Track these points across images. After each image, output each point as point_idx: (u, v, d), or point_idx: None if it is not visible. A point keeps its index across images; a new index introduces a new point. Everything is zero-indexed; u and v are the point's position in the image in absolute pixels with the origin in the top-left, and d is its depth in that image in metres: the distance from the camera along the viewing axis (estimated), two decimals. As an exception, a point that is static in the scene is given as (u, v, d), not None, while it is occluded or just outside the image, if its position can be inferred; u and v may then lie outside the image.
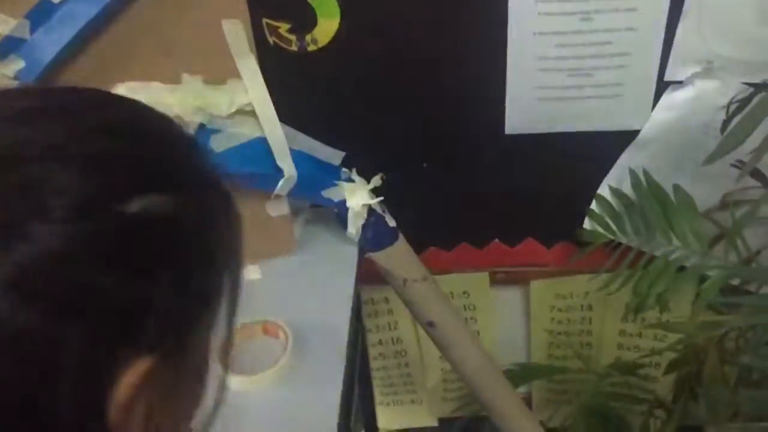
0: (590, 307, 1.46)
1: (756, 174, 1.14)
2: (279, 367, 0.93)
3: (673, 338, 1.31)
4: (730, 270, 1.05)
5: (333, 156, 1.18)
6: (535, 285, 1.42)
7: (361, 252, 1.12)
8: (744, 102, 0.99)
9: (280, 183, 1.00)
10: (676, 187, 1.18)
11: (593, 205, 1.27)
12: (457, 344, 1.17)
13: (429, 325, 1.15)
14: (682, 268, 1.15)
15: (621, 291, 1.19)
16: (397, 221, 1.15)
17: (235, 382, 0.92)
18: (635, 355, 1.47)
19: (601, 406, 1.42)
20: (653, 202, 1.18)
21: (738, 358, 1.03)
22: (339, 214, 1.08)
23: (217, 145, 0.99)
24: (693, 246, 1.15)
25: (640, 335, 1.48)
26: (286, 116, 1.06)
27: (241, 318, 0.99)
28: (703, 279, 1.14)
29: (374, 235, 1.09)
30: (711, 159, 0.91)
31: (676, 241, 1.17)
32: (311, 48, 1.11)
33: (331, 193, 1.05)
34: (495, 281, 1.43)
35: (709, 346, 1.12)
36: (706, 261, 1.12)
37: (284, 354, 0.94)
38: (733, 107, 1.01)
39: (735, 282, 1.14)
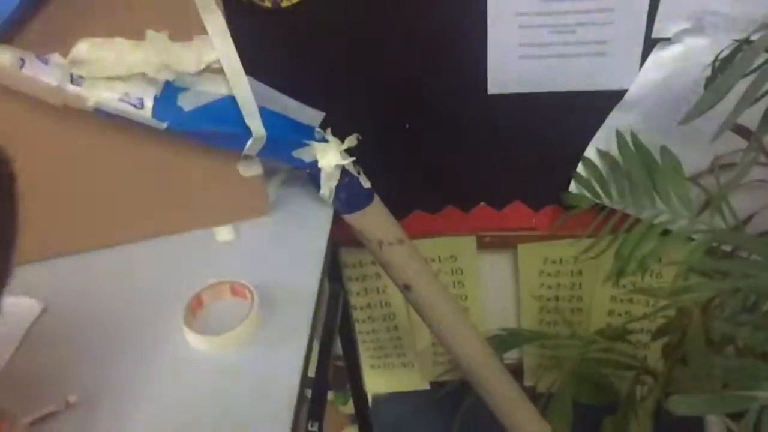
0: (580, 273, 1.43)
1: (747, 137, 1.10)
2: (243, 327, 0.92)
3: (664, 305, 1.29)
4: (713, 234, 1.02)
5: (313, 117, 1.16)
6: (523, 249, 1.40)
7: (336, 214, 1.11)
8: (728, 58, 0.95)
9: (249, 142, 0.98)
10: (664, 150, 1.15)
11: (579, 168, 1.23)
12: (435, 307, 1.16)
13: (406, 288, 1.14)
14: (666, 233, 1.12)
15: (612, 256, 1.17)
16: (380, 184, 1.13)
17: (200, 341, 0.92)
18: (625, 321, 1.45)
19: (588, 371, 1.40)
20: (639, 164, 1.15)
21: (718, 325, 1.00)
22: (311, 175, 1.07)
23: (186, 103, 0.97)
24: (679, 210, 1.12)
25: (631, 301, 1.45)
26: (262, 75, 1.05)
27: (211, 278, 0.99)
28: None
29: (348, 197, 1.07)
30: (688, 118, 0.87)
31: (661, 205, 1.13)
32: (285, 4, 1.09)
33: (303, 154, 1.03)
34: (482, 245, 1.41)
35: (693, 313, 1.09)
36: (691, 225, 1.09)
37: (249, 314, 0.93)
38: (717, 64, 0.97)
39: (722, 247, 1.10)
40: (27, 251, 1.06)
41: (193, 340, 0.92)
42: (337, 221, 1.12)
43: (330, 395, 1.75)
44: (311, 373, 1.17)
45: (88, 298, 1.01)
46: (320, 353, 1.19)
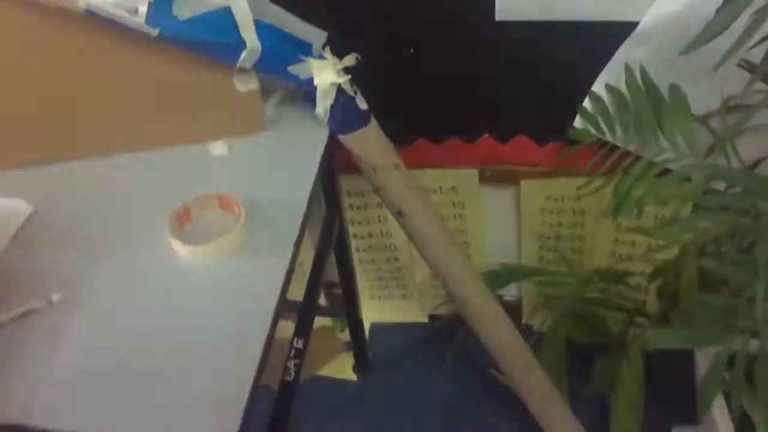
0: (582, 212, 1.42)
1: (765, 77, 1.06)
2: (229, 238, 0.93)
3: (661, 245, 1.27)
4: (712, 170, 0.99)
5: (315, 36, 1.14)
6: (526, 185, 1.38)
7: (331, 134, 1.10)
8: (741, -10, 0.90)
9: (243, 54, 0.97)
10: (673, 87, 1.11)
11: (586, 103, 1.20)
12: (428, 236, 1.15)
13: (399, 215, 1.13)
14: (667, 173, 1.09)
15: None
16: (382, 110, 1.11)
17: (185, 250, 0.92)
18: (627, 263, 1.44)
19: (584, 311, 1.39)
20: (646, 101, 1.12)
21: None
22: (307, 93, 1.05)
23: (181, 12, 0.95)
24: (682, 150, 1.09)
25: (633, 244, 1.44)
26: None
27: (202, 191, 1.00)
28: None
29: (343, 117, 1.06)
30: (691, 47, 0.84)
31: (665, 143, 1.10)
32: None
33: (298, 70, 1.02)
34: (485, 179, 1.39)
35: (689, 254, 1.08)
36: (693, 166, 1.06)
37: (236, 226, 0.94)
38: (730, -4, 0.92)
39: (718, 185, 1.08)
40: (20, 155, 1.08)
41: (179, 248, 0.93)
42: (341, 148, 1.11)
43: (328, 321, 1.77)
44: (301, 295, 1.19)
45: (78, 203, 1.02)
46: (311, 274, 1.20)
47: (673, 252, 1.19)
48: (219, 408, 0.78)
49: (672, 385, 1.39)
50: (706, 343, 0.77)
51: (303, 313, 1.15)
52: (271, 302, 0.87)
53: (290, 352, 1.08)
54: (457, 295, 1.22)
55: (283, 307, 0.89)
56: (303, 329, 1.12)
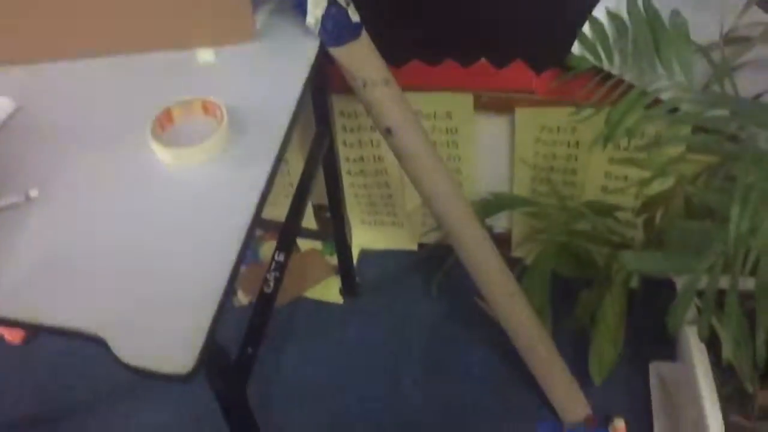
0: (576, 144, 1.40)
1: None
2: (210, 142, 0.92)
3: (658, 183, 1.25)
4: (701, 97, 0.97)
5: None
6: (521, 113, 1.36)
7: (322, 47, 1.07)
8: None
9: (232, -43, 0.94)
10: (674, 13, 1.08)
11: (585, 28, 1.17)
12: (415, 156, 1.14)
13: (387, 132, 1.12)
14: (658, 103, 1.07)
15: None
16: (378, 28, 1.08)
17: (165, 153, 0.92)
18: (618, 196, 1.43)
19: (571, 244, 1.39)
20: (646, 27, 1.09)
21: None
22: (299, 3, 1.03)
23: None
24: (679, 79, 1.07)
25: (625, 179, 1.42)
26: None
27: (184, 95, 0.98)
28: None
29: (334, 28, 1.04)
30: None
31: (661, 71, 1.08)
32: None
33: (289, -24, 0.99)
34: (479, 105, 1.37)
35: (677, 186, 1.06)
36: (688, 96, 1.04)
37: (217, 131, 0.93)
38: None
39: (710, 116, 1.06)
40: (3, 53, 1.06)
41: (159, 151, 0.92)
42: (334, 66, 1.09)
43: (318, 245, 1.78)
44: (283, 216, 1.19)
45: (63, 103, 1.02)
46: (297, 189, 1.19)
47: (664, 184, 1.17)
48: (191, 310, 0.79)
49: (652, 322, 1.39)
50: (680, 266, 0.77)
51: (286, 227, 1.15)
52: (249, 210, 0.87)
53: (271, 264, 1.08)
54: (442, 217, 1.21)
55: (261, 216, 0.89)
56: (285, 244, 1.12)
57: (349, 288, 1.68)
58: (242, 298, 1.68)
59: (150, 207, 0.88)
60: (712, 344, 1.15)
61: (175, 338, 0.77)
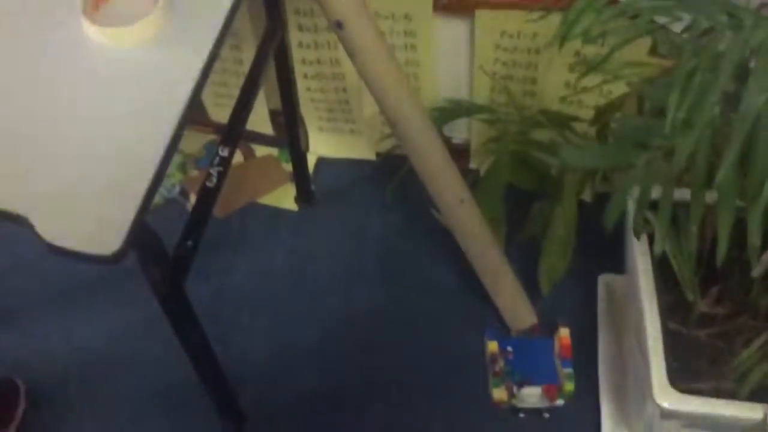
0: (537, 51, 1.37)
1: None
2: (145, 23, 0.87)
3: (617, 95, 1.23)
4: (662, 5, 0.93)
5: None
6: (481, 15, 1.32)
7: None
8: None
9: None
10: None
11: (548, -76, 1.12)
12: (367, 51, 1.10)
13: (337, 26, 1.07)
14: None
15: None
16: None
17: (99, 33, 0.87)
18: (577, 109, 1.41)
19: (526, 155, 1.38)
20: None
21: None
22: None
23: None
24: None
25: (584, 89, 1.40)
26: None
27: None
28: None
29: None
30: None
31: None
32: None
33: None
34: (439, 8, 1.32)
35: (631, 91, 1.05)
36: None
37: (154, 10, 0.88)
38: None
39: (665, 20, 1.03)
40: None
41: (90, 30, 0.88)
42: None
43: (275, 151, 1.74)
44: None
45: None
46: (245, 84, 1.16)
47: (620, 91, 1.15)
48: (120, 194, 0.76)
49: (602, 236, 1.40)
50: (617, 160, 0.76)
51: (232, 121, 1.12)
52: (184, 95, 0.83)
53: (214, 159, 1.05)
54: (393, 119, 1.18)
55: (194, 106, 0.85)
56: (230, 139, 1.09)
57: (304, 196, 1.66)
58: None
59: (80, 90, 0.85)
60: (661, 258, 1.16)
61: (103, 221, 0.75)
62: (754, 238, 0.68)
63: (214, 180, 1.04)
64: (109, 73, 0.86)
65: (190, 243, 0.98)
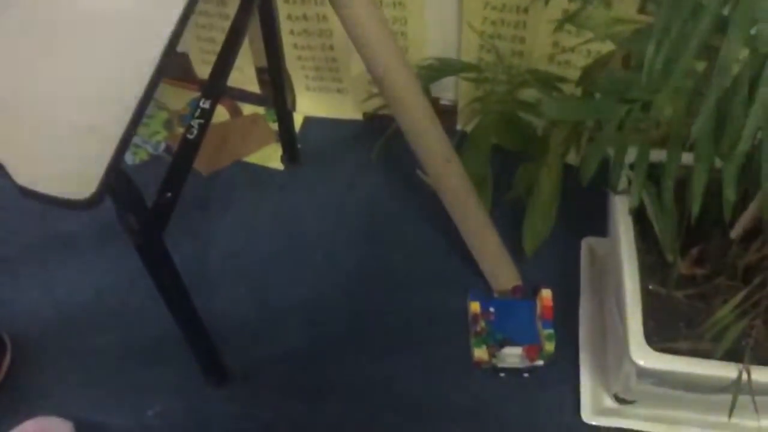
0: (526, 11, 1.35)
1: None
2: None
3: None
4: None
5: None
6: (470, -29, 1.30)
7: None
8: None
9: None
10: None
11: None
12: (352, 4, 1.09)
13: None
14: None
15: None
16: None
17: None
18: (565, 70, 1.40)
19: (512, 115, 1.37)
20: None
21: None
22: None
23: None
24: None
25: (573, 50, 1.39)
26: None
27: None
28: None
29: None
30: None
31: None
32: None
33: None
34: (428, -36, 1.31)
35: (617, 50, 1.04)
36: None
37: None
38: None
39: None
40: None
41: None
42: None
43: (261, 110, 1.73)
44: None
45: None
46: (228, 36, 1.14)
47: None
48: (95, 138, 0.76)
49: (589, 200, 1.40)
50: (596, 113, 0.76)
51: (214, 73, 1.11)
52: (164, 36, 0.82)
53: (195, 111, 1.04)
54: (378, 74, 1.17)
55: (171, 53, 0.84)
56: (212, 91, 1.08)
57: (290, 155, 1.65)
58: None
59: (57, 31, 0.83)
60: (643, 218, 1.16)
61: (78, 165, 0.75)
62: (729, 192, 0.69)
63: (195, 132, 1.03)
64: (86, 14, 0.84)
65: (169, 195, 0.97)
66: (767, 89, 0.64)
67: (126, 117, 0.76)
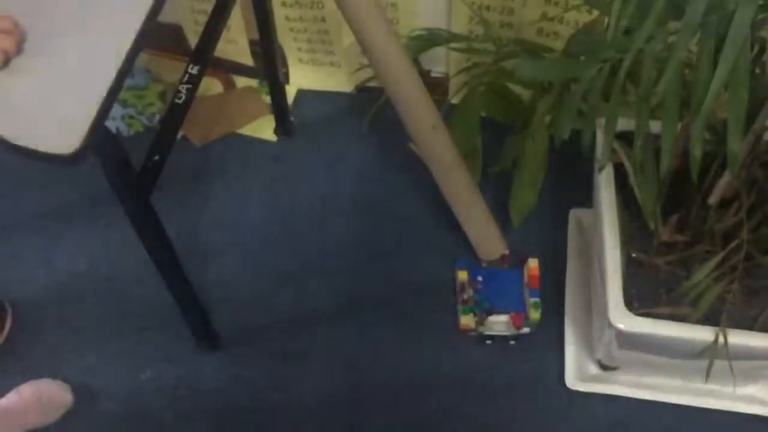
0: (514, -18, 1.36)
1: None
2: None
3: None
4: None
5: None
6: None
7: None
8: None
9: None
10: None
11: None
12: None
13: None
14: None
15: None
16: None
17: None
18: (554, 42, 1.41)
19: (500, 84, 1.38)
20: None
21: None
22: None
23: None
24: None
25: (561, 21, 1.40)
26: None
27: None
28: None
29: None
30: None
31: None
32: None
33: None
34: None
35: (600, 15, 1.05)
36: None
37: None
38: None
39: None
40: None
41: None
42: None
43: (255, 83, 1.75)
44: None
45: None
46: (215, 5, 1.16)
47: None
48: (79, 96, 0.77)
49: (576, 172, 1.42)
50: (567, 71, 0.77)
51: (203, 40, 1.12)
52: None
53: (184, 76, 1.06)
54: (366, 41, 1.18)
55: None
56: (200, 58, 1.10)
57: (283, 127, 1.67)
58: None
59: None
60: (626, 190, 1.18)
61: (63, 122, 0.76)
62: (696, 148, 0.70)
63: (183, 96, 1.05)
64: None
65: (157, 158, 0.99)
66: (732, 48, 0.65)
67: (110, 74, 0.77)
